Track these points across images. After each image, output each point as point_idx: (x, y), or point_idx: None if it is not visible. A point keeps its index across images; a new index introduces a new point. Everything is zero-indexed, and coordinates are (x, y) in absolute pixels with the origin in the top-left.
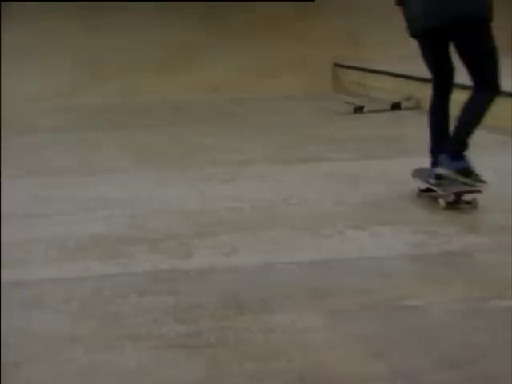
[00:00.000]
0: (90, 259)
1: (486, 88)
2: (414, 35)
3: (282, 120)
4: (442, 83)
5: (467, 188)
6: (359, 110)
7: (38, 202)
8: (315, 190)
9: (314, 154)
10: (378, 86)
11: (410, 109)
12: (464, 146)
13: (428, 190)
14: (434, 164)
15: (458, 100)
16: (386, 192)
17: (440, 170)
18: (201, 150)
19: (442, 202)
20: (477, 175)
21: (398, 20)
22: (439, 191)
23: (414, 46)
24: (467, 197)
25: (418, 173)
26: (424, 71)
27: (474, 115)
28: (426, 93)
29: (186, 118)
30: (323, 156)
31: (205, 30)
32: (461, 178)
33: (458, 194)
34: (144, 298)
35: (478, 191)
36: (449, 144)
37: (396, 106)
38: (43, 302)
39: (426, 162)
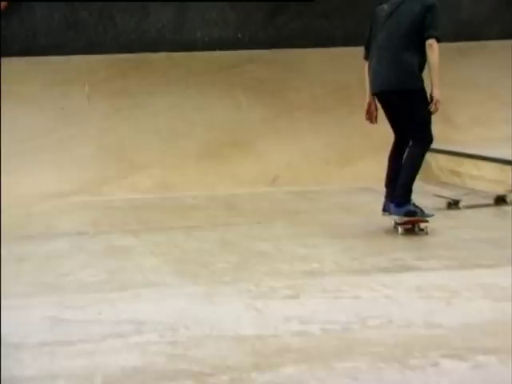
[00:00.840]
0: None
1: (421, 143)
2: (372, 94)
3: (357, 219)
4: (397, 137)
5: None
6: (454, 205)
7: (56, 326)
8: (401, 309)
9: (397, 262)
10: (476, 174)
11: None
12: (408, 194)
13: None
14: (388, 195)
15: None
16: (491, 310)
17: (393, 217)
18: (257, 257)
19: (400, 229)
20: (422, 211)
21: (496, 91)
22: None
23: None
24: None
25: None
26: None
27: (414, 168)
28: None
29: (239, 218)
30: (410, 265)
31: (261, 107)
32: (406, 219)
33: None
34: None
35: (426, 221)
36: (395, 195)
37: (500, 200)
38: None
39: None
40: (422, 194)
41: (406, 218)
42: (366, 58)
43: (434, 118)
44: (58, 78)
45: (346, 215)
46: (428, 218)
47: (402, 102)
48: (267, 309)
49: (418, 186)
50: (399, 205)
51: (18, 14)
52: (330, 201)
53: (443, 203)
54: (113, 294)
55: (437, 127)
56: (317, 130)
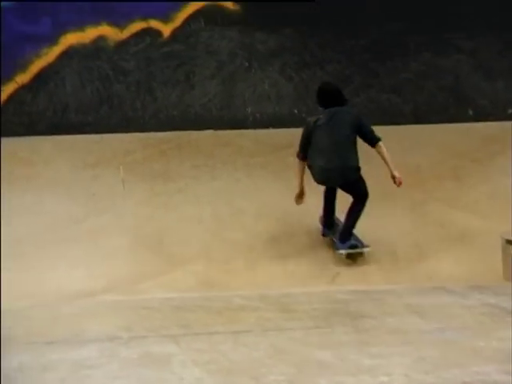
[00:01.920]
0: None
1: (362, 199)
2: (318, 183)
3: (430, 324)
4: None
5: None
6: None
7: None
8: None
9: (480, 376)
10: None
11: None
12: (351, 234)
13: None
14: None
15: None
16: None
17: (340, 251)
18: (316, 368)
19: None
20: (362, 243)
21: None
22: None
23: None
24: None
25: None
26: None
27: (356, 216)
28: None
29: (294, 321)
30: (495, 380)
31: (319, 193)
32: (351, 251)
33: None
34: None
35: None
36: (340, 235)
37: None
38: None
39: None
40: (509, 297)
41: (350, 250)
42: (302, 158)
43: None
44: (89, 159)
45: (418, 319)
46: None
47: (350, 187)
48: None
49: (503, 286)
50: (344, 241)
51: (46, 87)
52: (398, 302)
53: None
54: None
55: None
56: (383, 220)
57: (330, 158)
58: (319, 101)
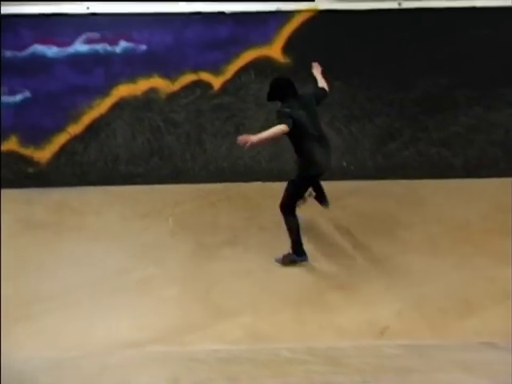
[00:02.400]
0: None
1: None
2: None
3: (480, 381)
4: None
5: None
6: None
7: None
8: None
9: None
10: None
11: None
12: (300, 247)
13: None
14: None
15: None
16: None
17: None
18: None
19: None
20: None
21: None
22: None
23: None
24: None
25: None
26: None
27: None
28: None
29: (342, 375)
30: None
31: (367, 246)
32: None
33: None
34: None
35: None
36: (292, 250)
37: None
38: None
39: None
40: None
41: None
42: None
43: None
44: (139, 209)
45: (466, 375)
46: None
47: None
48: None
49: None
50: (298, 255)
51: (97, 138)
52: (447, 358)
53: None
54: None
55: None
56: (432, 274)
57: (324, 143)
58: (276, 95)
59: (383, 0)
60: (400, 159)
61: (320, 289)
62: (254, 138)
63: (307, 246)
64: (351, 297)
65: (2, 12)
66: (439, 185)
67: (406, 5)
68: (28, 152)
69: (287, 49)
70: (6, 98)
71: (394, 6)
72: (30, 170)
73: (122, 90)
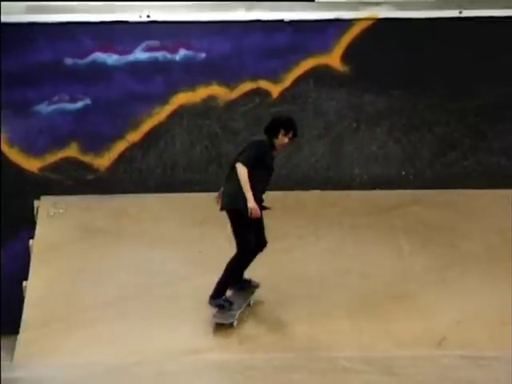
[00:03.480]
0: None
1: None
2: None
3: None
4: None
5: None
6: None
7: None
8: None
9: None
10: None
11: None
12: (224, 290)
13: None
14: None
15: None
16: None
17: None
18: None
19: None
20: (230, 306)
21: None
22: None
23: None
24: None
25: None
26: None
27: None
28: None
29: None
30: None
31: (426, 255)
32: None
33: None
34: None
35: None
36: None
37: None
38: None
39: None
40: None
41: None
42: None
43: None
44: (196, 217)
45: None
46: None
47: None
48: None
49: None
50: (213, 297)
51: (156, 145)
52: (508, 369)
53: None
54: None
55: None
56: (492, 284)
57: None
58: (276, 131)
59: (444, 8)
60: (459, 169)
61: (377, 298)
62: (250, 201)
63: (361, 252)
64: (409, 306)
65: (65, 20)
66: (499, 195)
67: (466, 13)
68: (88, 159)
69: (346, 57)
70: (67, 105)
71: (454, 14)
72: (90, 176)
73: (181, 98)
